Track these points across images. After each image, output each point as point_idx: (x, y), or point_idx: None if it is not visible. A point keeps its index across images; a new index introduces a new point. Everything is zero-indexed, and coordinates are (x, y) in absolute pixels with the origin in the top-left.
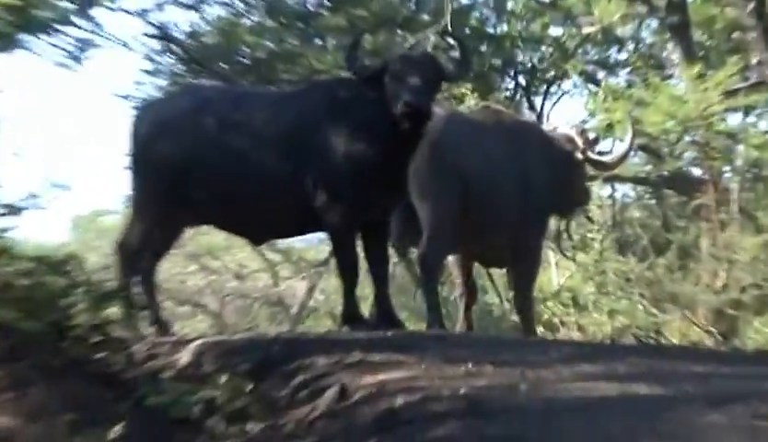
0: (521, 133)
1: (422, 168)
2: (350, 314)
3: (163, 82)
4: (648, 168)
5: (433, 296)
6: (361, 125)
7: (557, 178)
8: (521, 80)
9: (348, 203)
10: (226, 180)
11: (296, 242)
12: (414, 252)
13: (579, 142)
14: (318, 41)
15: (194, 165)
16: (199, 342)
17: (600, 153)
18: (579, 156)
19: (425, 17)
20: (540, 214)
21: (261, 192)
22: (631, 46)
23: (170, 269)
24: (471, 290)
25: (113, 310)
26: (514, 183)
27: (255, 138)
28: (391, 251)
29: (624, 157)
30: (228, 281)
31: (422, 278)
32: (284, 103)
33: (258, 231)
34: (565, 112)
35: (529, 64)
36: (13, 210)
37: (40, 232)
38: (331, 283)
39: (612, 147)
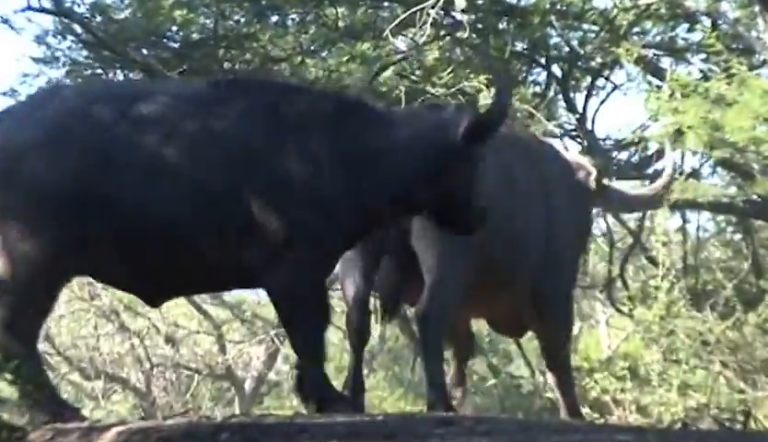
0: (540, 152)
1: None
2: (321, 390)
3: (59, 73)
4: (732, 190)
5: (437, 366)
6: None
7: (582, 211)
8: (556, 70)
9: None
10: (128, 214)
11: (248, 294)
12: (409, 309)
13: (592, 169)
14: (273, 18)
15: (86, 192)
16: (119, 428)
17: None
18: (593, 185)
19: None
20: (570, 254)
21: (177, 232)
22: (707, 23)
23: (77, 330)
24: (466, 342)
25: (3, 387)
26: (539, 215)
27: (173, 155)
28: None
29: (664, 188)
30: (157, 346)
31: (423, 342)
32: (208, 106)
33: (162, 285)
34: (617, 114)
35: (567, 49)
36: None
37: None
38: None
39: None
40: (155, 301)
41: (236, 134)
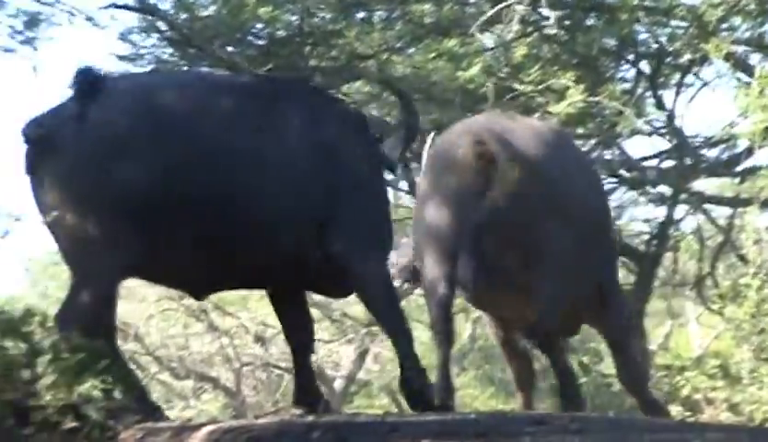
0: (573, 146)
1: (525, 203)
2: (420, 390)
3: (144, 70)
4: None
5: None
6: None
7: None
8: (644, 67)
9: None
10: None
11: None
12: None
13: None
14: (360, 15)
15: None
16: (210, 428)
17: None
18: None
19: None
20: (614, 247)
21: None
22: None
23: (166, 329)
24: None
25: (91, 386)
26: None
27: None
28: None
29: None
30: (246, 345)
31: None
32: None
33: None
34: (706, 111)
35: (655, 45)
36: None
37: None
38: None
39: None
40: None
41: (319, 134)
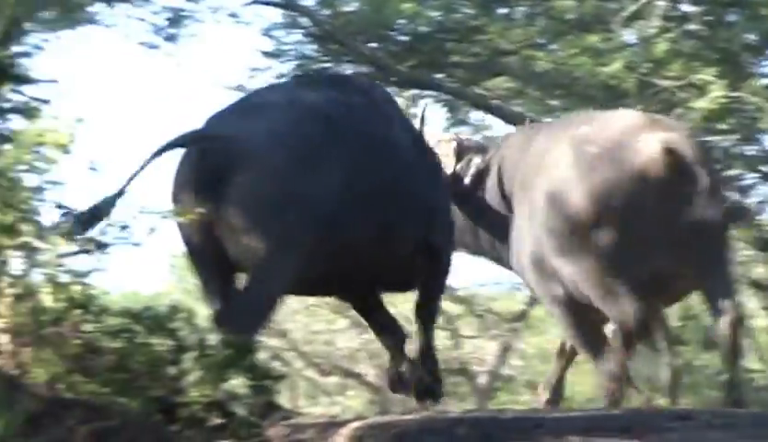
0: None
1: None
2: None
3: (288, 67)
4: None
5: None
6: None
7: None
8: None
9: None
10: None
11: (481, 289)
12: None
13: None
14: (502, 11)
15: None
16: (355, 424)
17: None
18: None
19: None
20: None
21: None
22: None
23: (311, 325)
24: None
25: (238, 382)
26: None
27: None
28: None
29: None
30: None
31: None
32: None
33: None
34: None
35: None
36: (97, 246)
37: (131, 277)
38: (533, 343)
39: None
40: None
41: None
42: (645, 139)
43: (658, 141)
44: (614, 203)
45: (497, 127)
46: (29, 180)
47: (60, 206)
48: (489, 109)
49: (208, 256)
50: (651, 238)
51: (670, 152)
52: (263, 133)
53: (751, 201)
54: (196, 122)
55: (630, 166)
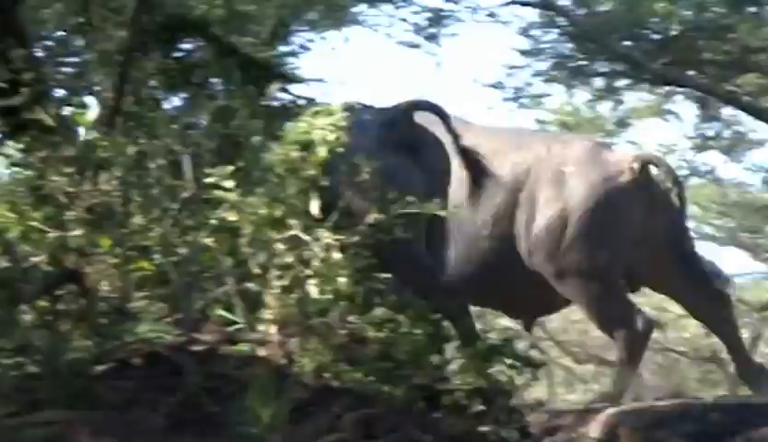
0: None
1: None
2: None
3: (544, 65)
4: None
5: None
6: None
7: None
8: None
9: None
10: None
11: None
12: None
13: None
14: (752, 9)
15: None
16: (612, 410)
17: None
18: None
19: None
20: None
21: None
22: None
23: (568, 315)
24: None
25: (499, 370)
26: None
27: None
28: None
29: None
30: None
31: None
32: None
33: None
34: None
35: None
36: None
37: None
38: None
39: None
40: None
41: None
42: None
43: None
44: None
45: (748, 123)
46: (297, 175)
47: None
48: (740, 105)
49: None
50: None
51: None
52: None
53: None
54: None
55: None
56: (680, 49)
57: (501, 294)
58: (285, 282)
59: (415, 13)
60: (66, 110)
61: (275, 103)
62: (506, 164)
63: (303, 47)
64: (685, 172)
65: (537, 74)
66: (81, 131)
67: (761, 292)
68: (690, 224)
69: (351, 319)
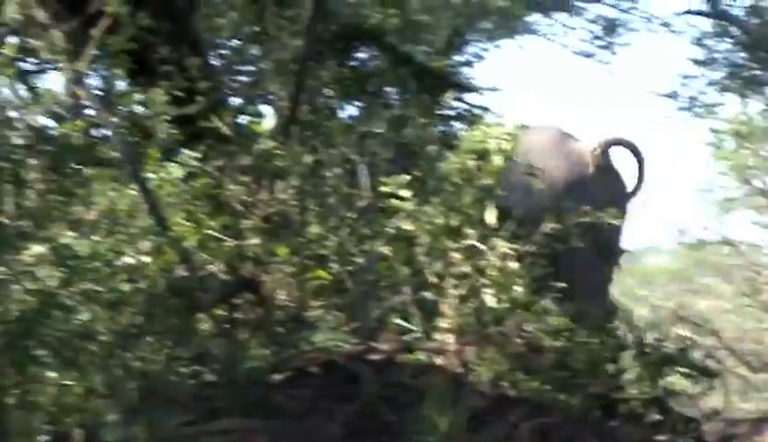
0: None
1: None
2: None
3: (717, 75)
4: None
5: None
6: None
7: None
8: None
9: None
10: None
11: None
12: None
13: None
14: None
15: None
16: None
17: None
18: None
19: None
20: None
21: None
22: None
23: (742, 324)
24: None
25: (674, 380)
26: None
27: None
28: None
29: None
30: None
31: None
32: None
33: None
34: None
35: None
36: None
37: None
38: None
39: None
40: None
41: None
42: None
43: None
44: None
45: None
46: (473, 184)
47: (500, 210)
48: None
49: None
50: None
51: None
52: None
53: None
54: (627, 128)
55: None
56: None
57: None
58: (462, 291)
59: (590, 21)
60: (242, 119)
61: (450, 112)
62: None
63: (477, 56)
64: None
65: (711, 83)
66: (257, 140)
67: None
68: None
69: (527, 328)
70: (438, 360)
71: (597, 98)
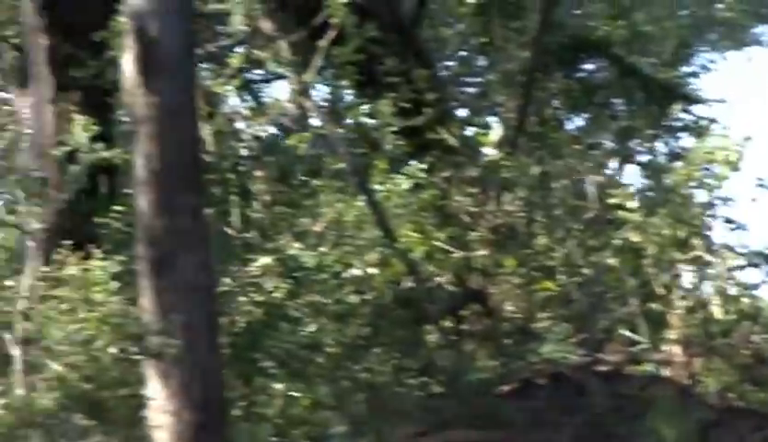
0: None
1: None
2: None
3: None
4: None
5: None
6: None
7: None
8: None
9: None
10: None
11: None
12: None
13: None
14: None
15: None
16: None
17: None
18: None
19: None
20: None
21: None
22: None
23: None
24: None
25: None
26: None
27: None
28: None
29: None
30: None
31: None
32: None
33: None
34: None
35: None
36: (765, 259)
37: None
38: None
39: None
40: None
41: None
42: None
43: None
44: None
45: None
46: (700, 196)
47: (730, 221)
48: None
49: None
50: None
51: None
52: None
53: None
54: None
55: None
56: None
57: None
58: (689, 302)
59: None
60: (469, 131)
61: (677, 123)
62: None
63: (704, 67)
64: None
65: None
66: (484, 151)
67: None
68: None
69: (754, 338)
70: (666, 371)
71: None
